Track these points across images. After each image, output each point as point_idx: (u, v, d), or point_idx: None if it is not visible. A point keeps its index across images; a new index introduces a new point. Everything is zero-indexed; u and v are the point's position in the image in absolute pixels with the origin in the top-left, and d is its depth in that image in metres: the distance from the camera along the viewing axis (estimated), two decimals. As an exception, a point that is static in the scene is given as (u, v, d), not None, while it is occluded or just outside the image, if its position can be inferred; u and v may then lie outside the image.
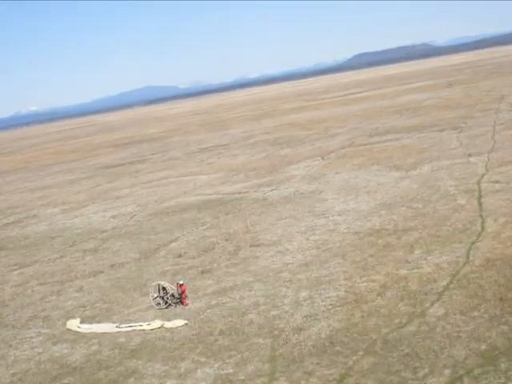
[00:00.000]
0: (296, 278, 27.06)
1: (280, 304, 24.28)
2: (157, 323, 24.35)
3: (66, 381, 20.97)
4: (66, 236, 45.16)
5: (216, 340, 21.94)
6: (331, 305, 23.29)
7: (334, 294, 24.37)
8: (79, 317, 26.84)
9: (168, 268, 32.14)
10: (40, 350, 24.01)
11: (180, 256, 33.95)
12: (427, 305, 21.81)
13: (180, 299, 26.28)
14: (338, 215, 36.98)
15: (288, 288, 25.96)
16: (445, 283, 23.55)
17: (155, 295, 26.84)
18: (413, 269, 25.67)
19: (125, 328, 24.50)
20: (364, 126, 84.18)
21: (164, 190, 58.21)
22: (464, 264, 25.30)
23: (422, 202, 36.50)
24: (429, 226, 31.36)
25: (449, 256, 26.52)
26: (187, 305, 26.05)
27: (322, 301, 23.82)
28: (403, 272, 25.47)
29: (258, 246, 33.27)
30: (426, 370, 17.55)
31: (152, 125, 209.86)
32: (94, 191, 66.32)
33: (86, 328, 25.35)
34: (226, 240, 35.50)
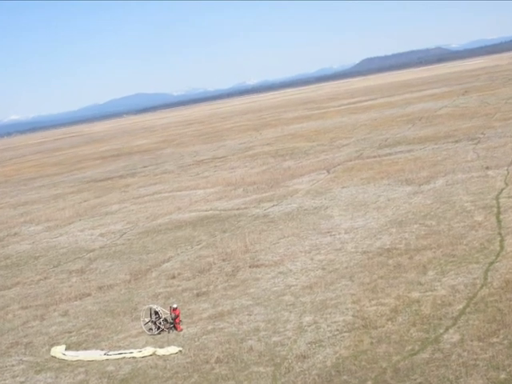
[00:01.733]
0: (299, 301, 27.16)
1: (282, 329, 24.36)
2: (148, 350, 24.41)
3: (49, 413, 21.00)
4: (50, 256, 45.27)
5: (212, 368, 22.00)
6: (338, 330, 23.38)
7: (341, 318, 24.46)
8: (64, 343, 26.91)
9: (160, 290, 32.23)
10: (22, 379, 24.05)
11: (173, 277, 34.05)
12: (441, 330, 21.90)
13: (173, 324, 26.34)
14: (345, 233, 37.13)
15: (291, 312, 26.05)
16: (461, 307, 23.65)
17: (147, 320, 26.91)
18: (426, 291, 25.77)
19: (114, 355, 24.55)
20: (373, 137, 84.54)
21: (156, 206, 58.38)
22: (481, 286, 25.41)
23: (435, 219, 36.65)
24: (443, 244, 31.49)
25: (465, 277, 26.64)
26: (181, 330, 26.11)
27: (328, 326, 23.91)
28: (416, 295, 25.57)
29: (258, 266, 33.38)
30: (441, 401, 17.59)
31: (143, 135, 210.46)
32: (81, 207, 66.49)
33: (71, 355, 25.40)
34: (224, 260, 35.62)
